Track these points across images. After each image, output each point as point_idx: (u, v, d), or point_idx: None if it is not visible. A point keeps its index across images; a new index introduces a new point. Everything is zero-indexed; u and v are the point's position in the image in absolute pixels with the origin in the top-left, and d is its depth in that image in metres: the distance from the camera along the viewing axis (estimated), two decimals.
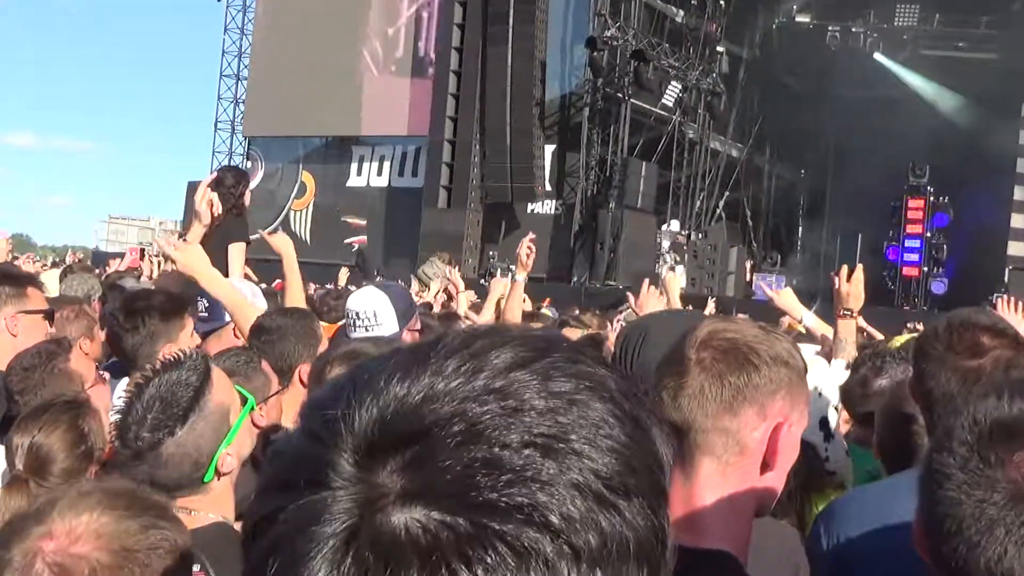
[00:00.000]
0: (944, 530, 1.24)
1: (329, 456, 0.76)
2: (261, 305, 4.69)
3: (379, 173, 36.34)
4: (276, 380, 3.45)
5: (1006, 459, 1.23)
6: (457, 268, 10.34)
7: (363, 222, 21.73)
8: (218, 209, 5.54)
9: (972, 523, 1.22)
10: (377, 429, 0.76)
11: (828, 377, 3.21)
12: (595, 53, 28.74)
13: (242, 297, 4.62)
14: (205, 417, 2.44)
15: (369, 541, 0.72)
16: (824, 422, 3.45)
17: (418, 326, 4.61)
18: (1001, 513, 1.21)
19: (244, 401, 2.59)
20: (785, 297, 5.85)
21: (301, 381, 3.84)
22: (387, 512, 0.73)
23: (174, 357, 2.49)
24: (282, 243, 5.54)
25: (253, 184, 36.73)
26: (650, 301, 5.84)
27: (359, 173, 36.81)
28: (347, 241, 23.57)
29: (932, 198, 28.26)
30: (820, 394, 3.45)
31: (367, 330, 4.46)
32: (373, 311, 4.52)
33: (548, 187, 31.16)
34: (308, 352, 3.98)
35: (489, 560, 0.71)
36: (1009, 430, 1.25)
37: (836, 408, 3.62)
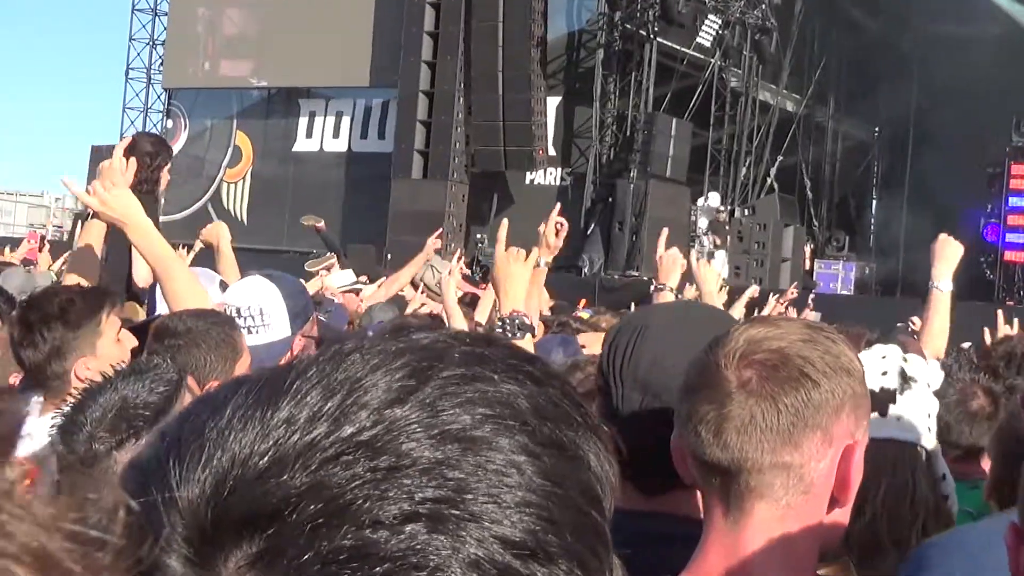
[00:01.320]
0: None
1: (155, 555, 0.73)
2: (214, 294, 4.68)
3: (335, 134, 36.28)
4: None
5: None
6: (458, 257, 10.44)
7: (320, 222, 21.79)
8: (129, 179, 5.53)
9: None
10: (212, 511, 0.74)
11: (933, 373, 3.18)
12: None
13: (186, 272, 4.58)
14: None
15: None
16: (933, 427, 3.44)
17: (314, 332, 4.54)
18: None
19: None
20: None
21: None
22: None
23: (136, 366, 2.57)
24: (215, 233, 5.51)
25: (176, 147, 36.71)
26: (671, 268, 5.78)
27: (309, 135, 36.73)
28: (303, 222, 23.57)
29: None
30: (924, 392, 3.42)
31: (249, 332, 4.37)
32: (259, 307, 4.45)
33: (552, 151, 31.15)
34: (222, 367, 3.95)
35: None
36: None
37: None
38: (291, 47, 35.45)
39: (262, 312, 4.41)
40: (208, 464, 0.76)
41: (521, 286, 4.05)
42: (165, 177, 6.65)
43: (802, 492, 1.74)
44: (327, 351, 0.83)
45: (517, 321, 3.89)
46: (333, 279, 9.96)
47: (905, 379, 2.67)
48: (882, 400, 2.60)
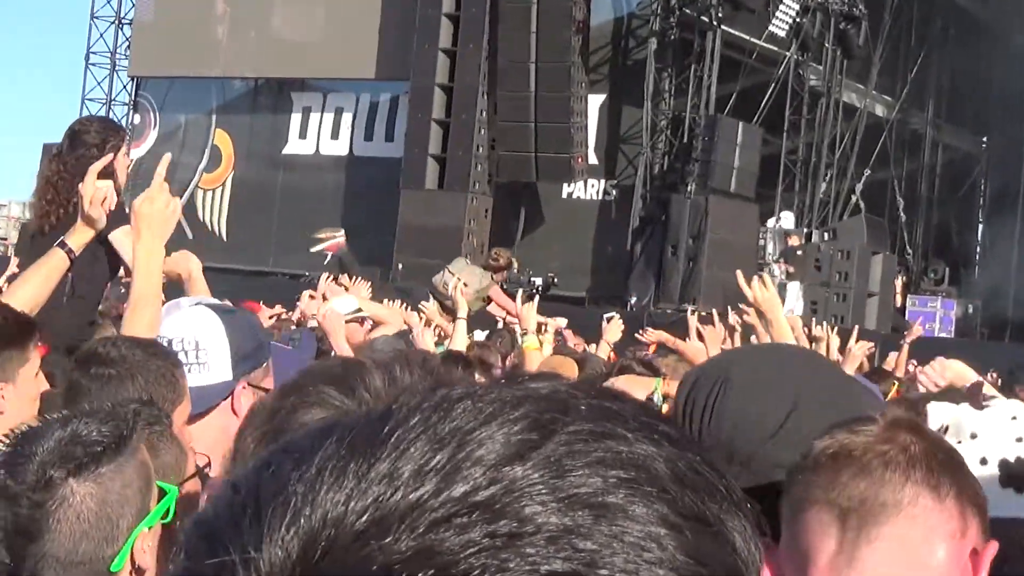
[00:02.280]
0: None
1: None
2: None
3: (334, 135, 36.45)
4: (193, 455, 3.46)
5: None
6: (502, 275, 10.42)
7: (339, 234, 21.81)
8: (110, 203, 5.57)
9: None
10: None
11: None
12: None
13: (158, 312, 4.66)
14: (134, 467, 2.67)
15: None
16: None
17: (267, 383, 4.47)
18: None
19: (161, 493, 2.80)
20: (955, 368, 5.71)
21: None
22: None
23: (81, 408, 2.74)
24: (183, 267, 5.52)
25: (143, 148, 37.04)
26: (709, 340, 5.79)
27: (303, 134, 36.91)
28: (317, 249, 23.71)
29: None
30: None
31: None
32: (195, 340, 4.38)
33: (593, 159, 31.23)
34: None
35: None
36: None
37: None
38: (282, 30, 35.63)
39: (198, 347, 4.30)
40: (295, 523, 0.78)
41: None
42: (124, 165, 6.64)
43: None
44: (431, 396, 0.85)
45: None
46: (338, 304, 9.91)
47: None
48: (1019, 473, 2.61)
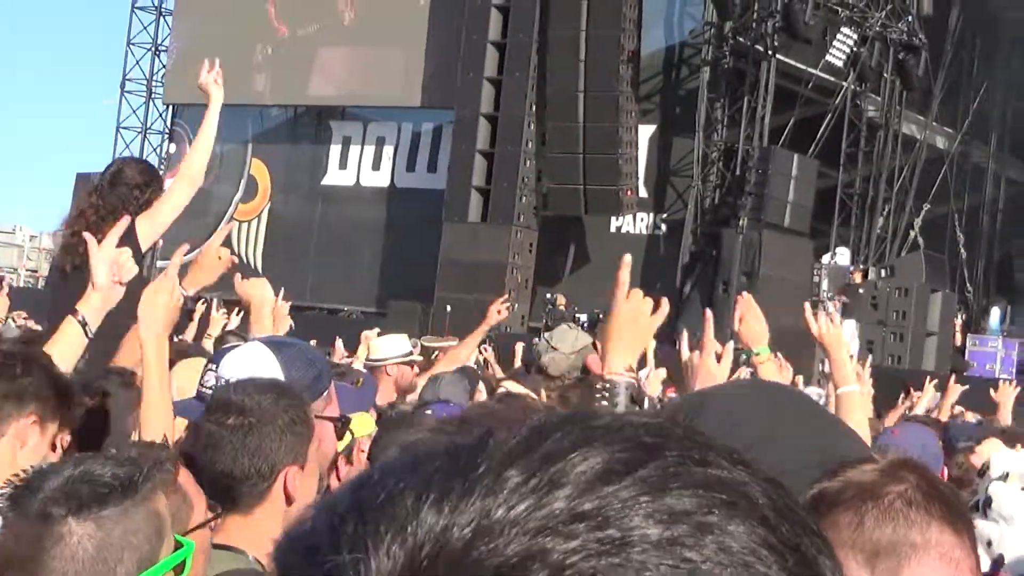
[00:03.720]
0: None
1: None
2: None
3: (375, 166, 36.57)
4: (201, 504, 3.47)
5: None
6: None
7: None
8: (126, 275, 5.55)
9: None
10: None
11: None
12: None
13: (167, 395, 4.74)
14: (144, 514, 2.69)
15: None
16: None
17: (332, 411, 4.49)
18: None
19: (177, 546, 2.80)
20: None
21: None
22: None
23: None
24: (256, 294, 5.49)
25: None
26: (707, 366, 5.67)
27: (343, 165, 37.07)
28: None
29: None
30: None
31: None
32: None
33: (643, 192, 31.16)
34: (299, 450, 4.01)
35: None
36: None
37: None
38: (323, 57, 35.73)
39: None
40: (400, 534, 0.80)
41: (644, 341, 4.06)
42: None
43: None
44: (532, 421, 0.87)
45: (631, 389, 3.76)
46: (383, 346, 9.78)
47: None
48: None
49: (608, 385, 3.80)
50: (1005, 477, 2.75)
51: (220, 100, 6.86)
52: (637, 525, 0.79)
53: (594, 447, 0.83)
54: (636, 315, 3.97)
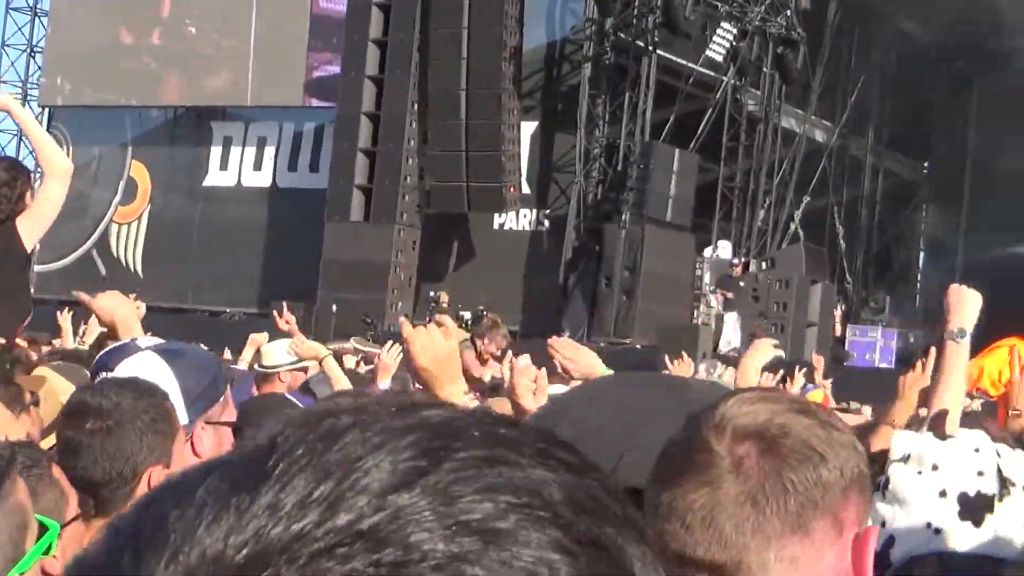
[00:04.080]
0: None
1: None
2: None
3: (257, 166, 36.38)
4: (74, 498, 3.45)
5: None
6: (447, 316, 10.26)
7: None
8: None
9: None
10: None
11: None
12: None
13: None
14: (4, 512, 2.58)
15: None
16: None
17: (228, 416, 4.49)
18: None
19: (43, 530, 2.72)
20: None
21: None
22: None
23: None
24: (110, 306, 5.49)
25: None
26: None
27: (224, 166, 36.81)
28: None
29: None
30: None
31: None
32: None
33: (525, 188, 31.23)
34: (161, 448, 3.98)
35: None
36: None
37: None
38: (201, 57, 35.44)
39: None
40: (174, 560, 0.76)
41: (453, 366, 4.04)
42: (29, 202, 6.63)
43: None
44: (319, 427, 0.83)
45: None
46: (275, 353, 9.68)
47: (1004, 482, 2.71)
48: (978, 507, 2.65)
49: None
50: (906, 459, 2.74)
51: (24, 112, 6.86)
52: (418, 542, 0.77)
53: (383, 451, 0.81)
54: (433, 350, 3.95)
